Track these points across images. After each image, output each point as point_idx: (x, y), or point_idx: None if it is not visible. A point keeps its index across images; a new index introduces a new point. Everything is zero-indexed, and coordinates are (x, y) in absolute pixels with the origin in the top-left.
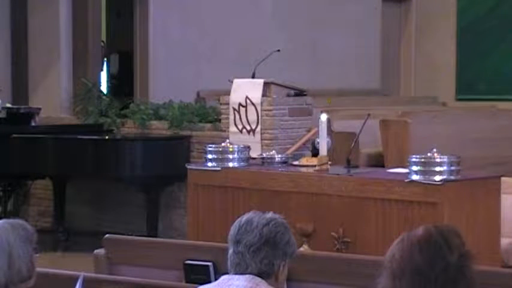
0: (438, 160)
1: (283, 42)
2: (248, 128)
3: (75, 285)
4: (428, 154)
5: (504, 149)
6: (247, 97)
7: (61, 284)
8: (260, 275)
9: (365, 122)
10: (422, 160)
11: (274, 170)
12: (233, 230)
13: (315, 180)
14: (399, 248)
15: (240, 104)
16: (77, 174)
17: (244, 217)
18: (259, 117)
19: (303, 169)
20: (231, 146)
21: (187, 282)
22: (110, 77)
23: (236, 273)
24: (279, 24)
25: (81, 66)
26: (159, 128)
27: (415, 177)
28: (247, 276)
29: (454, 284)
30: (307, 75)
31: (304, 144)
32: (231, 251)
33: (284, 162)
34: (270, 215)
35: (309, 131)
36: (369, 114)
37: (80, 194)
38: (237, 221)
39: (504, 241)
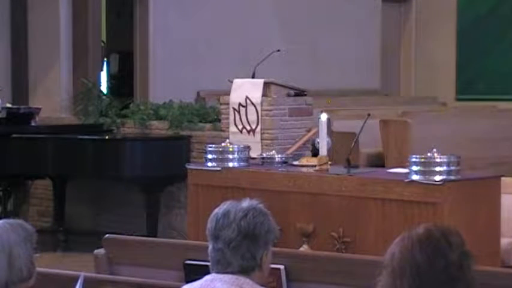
0: (438, 160)
1: (283, 42)
2: (248, 128)
3: (75, 285)
4: (428, 154)
5: (504, 149)
6: (247, 97)
7: (61, 284)
8: (243, 271)
9: (365, 122)
10: (422, 160)
11: (274, 170)
12: (210, 224)
13: (315, 180)
14: (400, 247)
15: (240, 104)
16: (77, 174)
17: (221, 209)
18: (259, 117)
19: (303, 169)
20: (231, 146)
21: (187, 282)
22: (110, 77)
23: (218, 272)
24: (279, 24)
25: (81, 66)
26: (159, 128)
27: (415, 177)
28: (230, 277)
29: (454, 283)
30: (307, 75)
31: (304, 144)
32: (210, 247)
33: (284, 162)
34: (246, 204)
35: (309, 131)
36: (369, 114)
37: (80, 194)
38: (213, 214)
39: (504, 241)
